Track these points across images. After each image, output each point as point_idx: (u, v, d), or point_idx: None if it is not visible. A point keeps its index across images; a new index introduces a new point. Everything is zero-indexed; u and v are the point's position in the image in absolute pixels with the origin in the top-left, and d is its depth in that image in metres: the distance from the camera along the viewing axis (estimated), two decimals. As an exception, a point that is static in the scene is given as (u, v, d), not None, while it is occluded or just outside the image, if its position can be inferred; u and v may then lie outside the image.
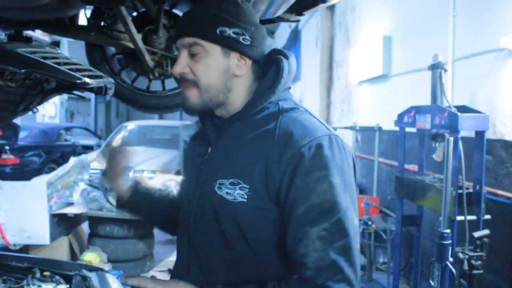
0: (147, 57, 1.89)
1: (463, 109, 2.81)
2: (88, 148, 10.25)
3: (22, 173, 8.18)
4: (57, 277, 1.82)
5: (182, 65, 1.13)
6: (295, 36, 10.37)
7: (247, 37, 1.12)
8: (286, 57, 1.17)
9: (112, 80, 1.45)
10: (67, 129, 11.28)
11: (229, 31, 1.10)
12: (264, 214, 1.08)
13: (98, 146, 10.11)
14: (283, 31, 11.83)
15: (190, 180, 1.25)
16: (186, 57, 1.13)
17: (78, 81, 1.18)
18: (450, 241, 2.45)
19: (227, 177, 1.10)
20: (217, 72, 1.13)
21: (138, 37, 1.84)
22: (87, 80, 1.21)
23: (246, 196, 1.07)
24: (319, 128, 1.09)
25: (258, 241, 1.10)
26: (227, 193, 1.09)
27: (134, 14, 2.01)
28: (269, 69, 1.17)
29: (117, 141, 1.38)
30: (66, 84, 1.31)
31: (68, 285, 1.79)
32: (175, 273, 1.27)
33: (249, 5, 1.19)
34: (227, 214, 1.10)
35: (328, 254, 1.00)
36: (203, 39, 1.11)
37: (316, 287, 1.00)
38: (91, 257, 4.01)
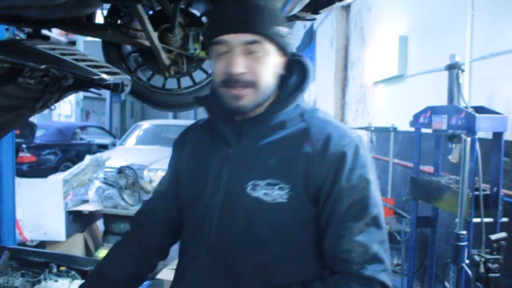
0: (163, 55, 1.91)
1: (481, 109, 2.77)
2: (103, 147, 10.34)
3: (39, 171, 8.28)
4: (73, 272, 1.85)
5: (242, 64, 1.06)
6: (310, 36, 10.34)
7: (292, 36, 1.12)
8: (302, 57, 1.19)
9: (129, 77, 1.47)
10: (83, 128, 11.39)
11: (282, 30, 1.10)
12: (302, 213, 1.08)
13: (113, 145, 10.18)
14: (298, 31, 11.81)
15: (199, 181, 1.18)
16: (243, 56, 1.07)
17: (96, 77, 1.20)
18: (466, 243, 2.41)
19: (263, 178, 1.07)
20: (273, 71, 1.11)
21: (154, 35, 1.85)
22: (105, 76, 1.22)
23: (286, 196, 1.06)
24: (348, 129, 1.13)
25: (295, 242, 1.09)
26: (265, 194, 1.07)
27: (150, 12, 2.02)
28: (288, 70, 1.16)
29: None
30: (83, 80, 1.32)
31: (83, 280, 1.81)
32: (184, 278, 1.18)
33: None
34: (264, 215, 1.08)
35: (372, 247, 1.04)
36: (265, 37, 1.07)
37: (363, 280, 1.03)
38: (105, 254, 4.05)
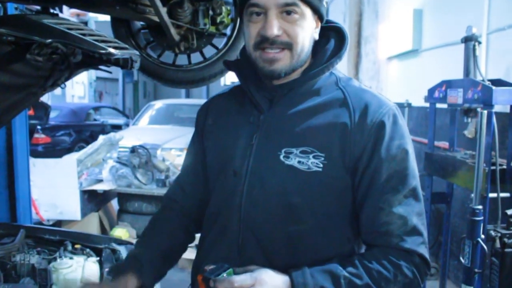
0: (173, 30, 1.88)
1: (498, 82, 2.70)
2: (116, 127, 10.39)
3: (54, 151, 8.37)
4: (88, 249, 1.86)
5: (277, 26, 1.03)
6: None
7: (326, 1, 1.10)
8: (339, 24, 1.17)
9: (138, 52, 1.44)
10: (96, 109, 11.44)
11: None
12: (337, 183, 1.05)
13: (127, 125, 10.23)
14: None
15: (228, 148, 1.14)
16: (279, 18, 1.04)
17: (103, 51, 1.17)
18: (481, 218, 2.38)
19: (296, 146, 1.05)
20: (308, 35, 1.08)
21: (163, 10, 1.83)
22: (112, 50, 1.20)
23: (321, 165, 1.03)
24: (386, 98, 1.10)
25: (329, 213, 1.07)
26: (299, 162, 1.04)
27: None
28: (322, 36, 1.14)
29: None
30: (92, 57, 1.31)
31: (98, 258, 1.83)
32: (212, 253, 1.15)
33: None
34: (298, 184, 1.04)
35: (411, 219, 1.02)
36: (302, 0, 1.04)
37: (403, 252, 1.02)
38: (120, 232, 4.11)
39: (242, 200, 1.09)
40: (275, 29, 1.03)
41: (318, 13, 1.09)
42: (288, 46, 1.05)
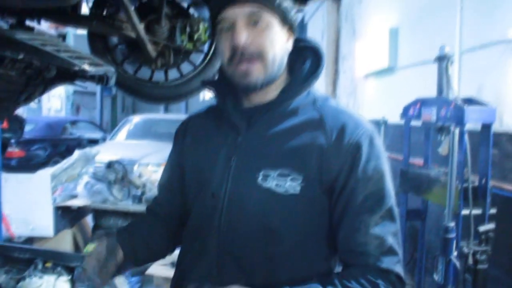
0: (149, 47, 1.88)
1: (470, 101, 2.77)
2: (93, 142, 10.27)
3: (28, 166, 8.21)
4: (59, 268, 1.81)
5: (245, 35, 1.03)
6: (301, 30, 10.32)
7: (296, 12, 1.11)
8: (316, 43, 1.17)
9: (113, 69, 1.44)
10: (73, 122, 11.30)
11: (286, 3, 1.07)
12: (314, 205, 1.06)
13: (104, 139, 10.12)
14: (289, 24, 11.76)
15: (206, 169, 1.14)
16: (246, 28, 1.04)
17: (77, 68, 1.16)
18: (454, 235, 2.42)
19: (274, 168, 1.04)
20: (279, 44, 1.07)
21: (140, 26, 1.83)
22: (86, 67, 1.19)
23: (299, 188, 1.03)
24: (363, 119, 1.10)
25: (307, 234, 1.07)
26: (276, 185, 1.04)
27: (137, 3, 1.99)
28: (299, 56, 1.15)
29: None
30: (66, 72, 1.29)
31: (70, 276, 1.78)
32: (191, 271, 1.14)
33: None
34: (276, 207, 1.04)
35: (387, 240, 1.03)
36: (268, 8, 1.04)
37: (380, 272, 1.02)
38: (94, 249, 4.02)
39: (220, 222, 1.09)
40: (242, 37, 1.03)
41: (287, 24, 1.09)
42: (259, 55, 1.05)
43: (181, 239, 1.26)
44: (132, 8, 1.78)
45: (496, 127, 2.71)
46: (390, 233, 1.04)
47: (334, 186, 1.05)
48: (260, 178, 1.05)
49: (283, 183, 1.03)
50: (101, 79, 1.44)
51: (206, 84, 1.22)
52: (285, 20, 1.08)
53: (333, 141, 1.04)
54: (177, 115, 10.04)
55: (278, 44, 1.08)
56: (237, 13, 1.04)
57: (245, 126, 1.11)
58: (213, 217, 1.10)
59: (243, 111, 1.13)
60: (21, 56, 1.09)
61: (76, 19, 1.89)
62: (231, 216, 1.08)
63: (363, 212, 1.03)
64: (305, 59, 1.15)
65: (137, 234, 1.24)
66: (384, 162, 1.07)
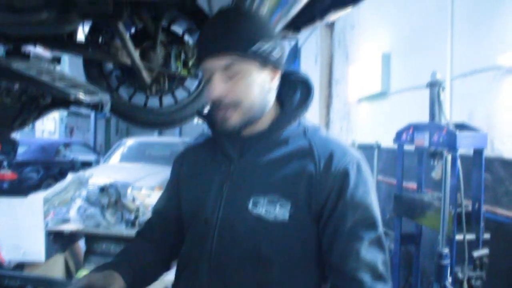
0: (144, 73, 1.90)
1: (462, 126, 2.80)
2: (87, 164, 10.22)
3: (20, 189, 8.13)
4: (50, 295, 1.80)
5: (220, 88, 1.07)
6: (294, 54, 10.44)
7: (278, 50, 1.11)
8: (306, 76, 1.21)
9: (108, 96, 1.45)
10: (66, 145, 11.26)
11: (265, 46, 1.08)
12: (303, 231, 1.08)
13: (97, 162, 10.08)
14: (283, 48, 11.88)
15: (200, 197, 1.17)
16: (222, 79, 1.07)
17: (72, 96, 1.17)
18: (448, 261, 2.41)
19: (264, 195, 1.07)
20: (257, 89, 1.10)
21: (136, 53, 1.85)
22: (81, 96, 1.20)
23: (288, 214, 1.05)
24: (350, 147, 1.14)
25: (297, 260, 1.09)
26: (266, 211, 1.06)
27: (132, 30, 2.01)
28: (290, 87, 1.18)
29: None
30: (61, 99, 1.30)
31: (60, 304, 1.76)
32: None
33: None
34: (266, 233, 1.07)
35: (377, 266, 1.05)
36: (242, 58, 1.06)
37: None
38: (86, 274, 3.96)
39: (212, 247, 1.11)
40: (217, 91, 1.07)
41: (269, 65, 1.11)
42: (235, 105, 1.08)
43: (170, 265, 1.29)
44: (127, 36, 1.80)
45: (487, 152, 2.73)
46: (379, 259, 1.05)
47: (323, 212, 1.07)
48: (250, 204, 1.08)
49: (272, 209, 1.06)
50: (95, 106, 1.44)
51: (200, 115, 1.25)
52: (265, 63, 1.10)
53: (322, 168, 1.07)
54: (171, 138, 10.05)
55: (257, 89, 1.10)
56: (215, 65, 1.07)
57: (238, 154, 1.15)
58: (205, 242, 1.12)
59: (236, 140, 1.15)
60: (16, 86, 1.10)
61: (72, 46, 1.90)
62: (222, 242, 1.10)
63: (353, 238, 1.05)
64: (295, 90, 1.19)
65: (135, 262, 1.24)
66: (372, 189, 1.10)
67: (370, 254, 1.05)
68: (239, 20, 1.08)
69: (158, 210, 1.34)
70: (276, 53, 1.10)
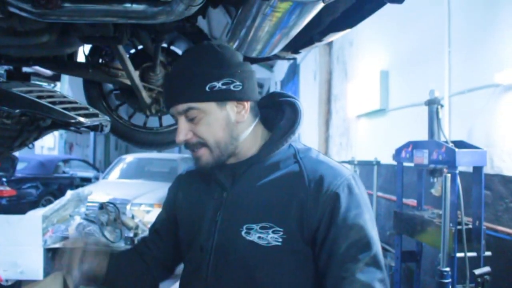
0: (144, 93, 1.91)
1: (461, 144, 2.81)
2: (86, 181, 10.20)
3: (19, 205, 8.10)
4: (48, 316, 1.78)
5: (184, 132, 1.10)
6: (293, 70, 10.50)
7: (237, 83, 1.10)
8: (294, 98, 1.21)
9: (108, 118, 1.46)
10: (66, 161, 11.24)
11: (218, 84, 1.08)
12: (297, 256, 1.08)
13: (96, 178, 10.05)
14: (282, 64, 11.97)
15: (196, 224, 1.19)
16: (185, 123, 1.10)
17: (73, 120, 1.18)
18: (449, 280, 2.40)
19: (256, 221, 1.08)
20: (220, 126, 1.11)
21: (135, 74, 1.86)
22: (82, 119, 1.21)
23: (280, 240, 1.06)
24: (342, 168, 1.13)
25: (291, 284, 1.09)
26: (259, 237, 1.07)
27: (132, 51, 2.03)
28: (278, 111, 1.19)
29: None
30: (61, 122, 1.31)
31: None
32: None
33: (227, 46, 1.16)
34: (260, 259, 1.07)
35: (374, 286, 1.03)
36: (196, 102, 1.08)
37: None
38: (85, 293, 3.93)
39: (208, 274, 1.12)
40: (180, 136, 1.11)
41: (232, 100, 1.11)
42: (202, 144, 1.11)
43: (156, 282, 1.33)
44: (127, 56, 1.81)
45: (487, 169, 2.73)
46: (376, 279, 1.04)
47: (316, 237, 1.07)
48: (244, 231, 1.09)
49: (266, 235, 1.07)
50: (95, 128, 1.45)
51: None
52: (223, 99, 1.10)
53: (312, 192, 1.07)
54: (170, 154, 10.04)
55: (221, 125, 1.11)
56: (178, 111, 1.11)
57: (230, 182, 1.15)
58: (201, 269, 1.14)
59: (227, 168, 1.16)
60: (17, 111, 1.11)
61: (72, 67, 1.92)
62: (217, 268, 1.12)
63: (347, 260, 1.04)
64: (284, 113, 1.19)
65: (123, 267, 1.29)
66: (366, 210, 1.09)
67: (366, 275, 1.04)
68: (192, 66, 1.09)
69: (155, 228, 1.36)
70: (235, 86, 1.10)
